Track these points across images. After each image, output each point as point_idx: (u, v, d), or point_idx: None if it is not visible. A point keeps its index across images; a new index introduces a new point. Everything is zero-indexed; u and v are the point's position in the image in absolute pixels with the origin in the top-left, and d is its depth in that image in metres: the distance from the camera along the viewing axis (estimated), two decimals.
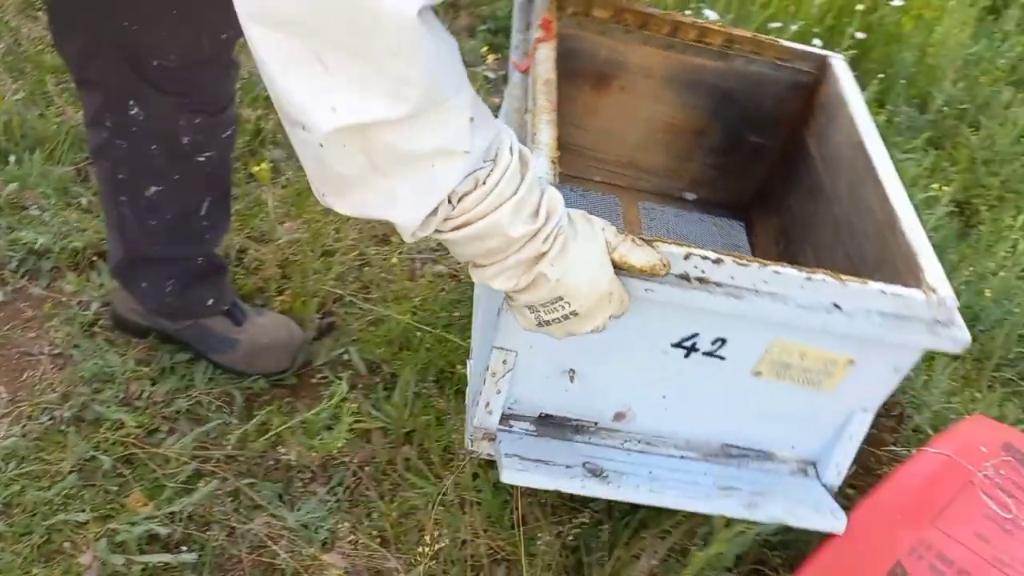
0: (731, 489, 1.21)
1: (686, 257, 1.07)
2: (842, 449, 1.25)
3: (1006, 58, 2.44)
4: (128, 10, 1.08)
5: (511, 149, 0.86)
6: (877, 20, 2.46)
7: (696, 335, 1.15)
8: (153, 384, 1.41)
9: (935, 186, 1.92)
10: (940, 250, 1.81)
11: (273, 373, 1.46)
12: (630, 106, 1.60)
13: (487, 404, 1.18)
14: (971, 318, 1.73)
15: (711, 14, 2.32)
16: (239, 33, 1.18)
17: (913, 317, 1.11)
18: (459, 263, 1.47)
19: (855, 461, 1.27)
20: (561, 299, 0.94)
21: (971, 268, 1.79)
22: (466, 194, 0.83)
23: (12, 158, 1.70)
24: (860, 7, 2.31)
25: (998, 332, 1.69)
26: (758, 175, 1.68)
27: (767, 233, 1.68)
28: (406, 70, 0.74)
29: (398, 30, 0.71)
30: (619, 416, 1.24)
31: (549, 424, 1.23)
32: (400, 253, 1.72)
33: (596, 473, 1.16)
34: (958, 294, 1.71)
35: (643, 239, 1.00)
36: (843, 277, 1.10)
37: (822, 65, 1.53)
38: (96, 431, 1.33)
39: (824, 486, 1.27)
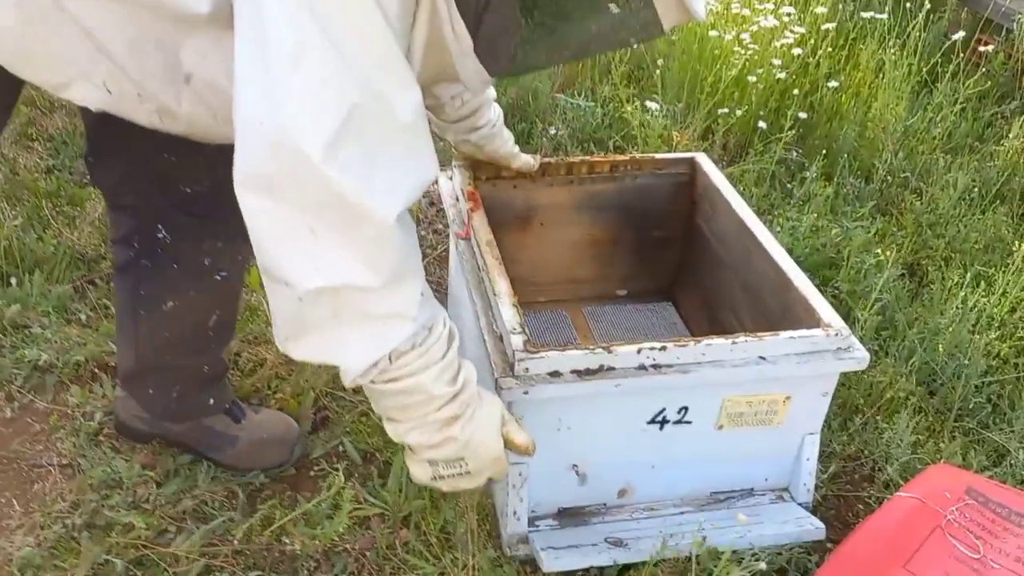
0: (728, 528, 1.36)
1: (638, 351, 1.29)
2: (804, 470, 1.47)
3: (940, 127, 2.63)
4: (170, 144, 1.17)
5: (444, 322, 1.06)
6: (818, 100, 2.65)
7: (664, 410, 1.34)
8: (159, 487, 1.47)
9: (879, 251, 2.05)
10: (892, 310, 1.95)
11: (273, 467, 1.53)
12: (552, 235, 1.86)
13: (515, 512, 1.37)
14: (929, 373, 1.84)
15: (653, 105, 2.50)
16: None
17: (821, 351, 1.34)
18: None
19: (832, 509, 1.38)
20: (462, 459, 1.10)
21: (925, 325, 1.91)
22: (404, 353, 1.00)
23: (13, 280, 1.79)
24: (795, 92, 2.49)
25: (956, 384, 1.80)
26: (671, 261, 1.93)
27: (692, 306, 1.91)
28: (381, 253, 0.94)
29: (380, 228, 0.92)
30: (622, 493, 1.44)
31: (568, 515, 1.42)
32: None
33: (618, 544, 1.34)
34: (911, 352, 1.84)
35: (518, 423, 1.18)
36: (760, 334, 1.32)
37: (692, 163, 1.83)
38: (107, 536, 1.38)
39: (800, 505, 1.47)
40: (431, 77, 1.10)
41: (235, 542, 1.39)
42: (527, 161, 1.71)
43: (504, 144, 1.66)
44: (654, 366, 1.28)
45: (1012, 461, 1.67)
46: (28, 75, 1.09)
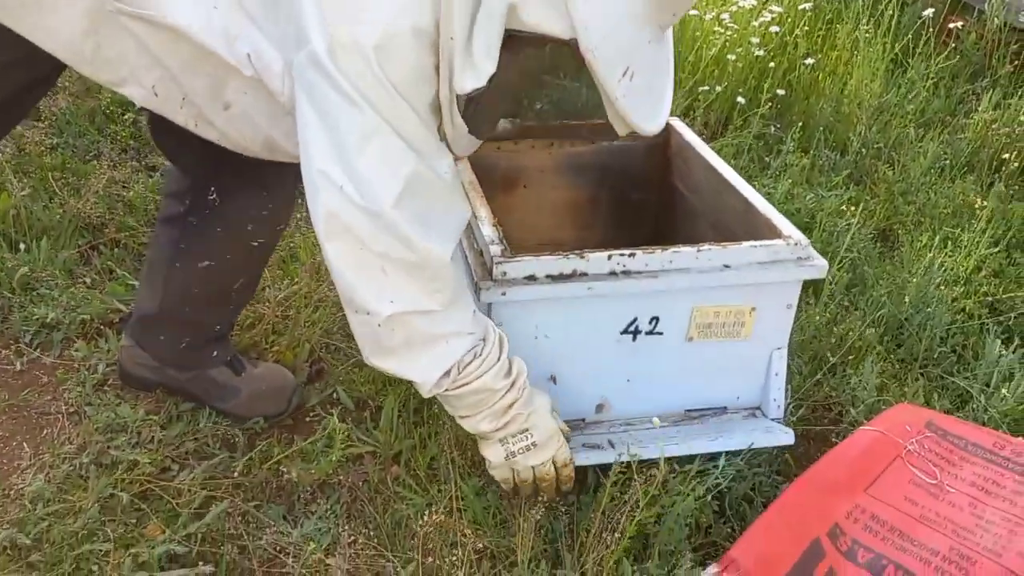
0: (701, 436, 1.48)
1: (609, 257, 1.39)
2: (774, 386, 1.56)
3: (913, 103, 2.72)
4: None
5: (494, 331, 1.29)
6: (795, 78, 2.75)
7: (636, 319, 1.44)
8: (163, 430, 1.56)
9: (851, 211, 2.15)
10: (861, 267, 2.04)
11: (271, 416, 1.62)
12: (535, 197, 1.95)
13: None
14: (896, 325, 1.93)
15: None
16: None
17: (782, 260, 1.44)
18: None
19: (801, 447, 1.47)
20: (527, 431, 1.31)
21: (892, 281, 2.00)
22: (468, 363, 1.24)
23: (22, 246, 1.88)
24: (773, 67, 2.59)
25: (922, 335, 1.88)
26: (649, 221, 2.01)
27: None
28: (440, 284, 1.20)
29: (438, 266, 1.19)
30: (600, 408, 1.53)
31: None
32: None
33: (594, 447, 1.43)
34: (881, 305, 1.93)
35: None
36: (724, 244, 1.42)
37: (666, 127, 1.89)
38: (113, 472, 1.47)
39: (771, 420, 1.55)
40: None
41: (235, 475, 1.47)
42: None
43: None
44: (624, 272, 1.38)
45: (974, 406, 1.75)
46: (87, 72, 1.22)
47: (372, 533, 1.41)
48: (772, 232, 1.49)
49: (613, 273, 1.38)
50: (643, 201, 1.98)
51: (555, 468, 1.35)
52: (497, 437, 1.32)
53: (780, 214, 1.53)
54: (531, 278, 1.36)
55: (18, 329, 1.73)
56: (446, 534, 1.36)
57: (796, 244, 1.45)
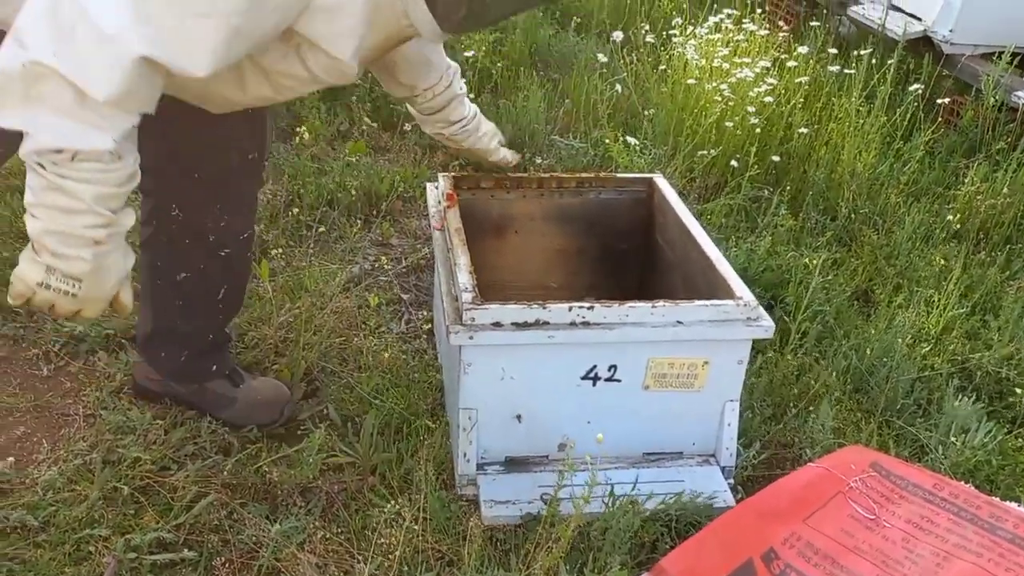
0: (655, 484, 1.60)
1: (570, 309, 1.54)
2: (726, 435, 1.67)
3: (906, 174, 2.84)
4: (177, 135, 1.46)
5: (134, 170, 1.17)
6: (792, 146, 2.89)
7: (595, 367, 1.56)
8: (167, 433, 1.72)
9: (830, 271, 2.26)
10: (838, 327, 2.14)
11: (265, 425, 1.77)
12: (525, 244, 2.11)
13: (464, 455, 1.61)
14: (860, 376, 2.02)
15: (633, 140, 2.76)
16: (264, 156, 1.59)
17: (733, 319, 1.56)
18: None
19: (758, 486, 1.58)
20: (80, 281, 1.17)
21: (861, 334, 2.11)
22: (87, 160, 1.10)
23: None
24: (760, 132, 2.74)
25: (885, 386, 1.98)
26: (633, 270, 2.16)
27: None
28: (113, 75, 1.07)
29: (120, 54, 1.07)
30: (562, 447, 1.66)
31: (513, 464, 1.65)
32: (375, 337, 2.06)
33: (547, 502, 1.53)
34: (846, 357, 2.03)
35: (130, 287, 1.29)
36: (677, 301, 1.55)
37: (650, 183, 2.09)
38: (118, 467, 1.62)
39: (723, 469, 1.68)
40: (387, 36, 1.31)
41: (225, 475, 1.62)
42: (504, 156, 1.94)
43: (480, 139, 1.89)
44: (584, 322, 1.52)
45: (932, 457, 1.84)
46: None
47: (343, 534, 1.54)
48: (727, 292, 1.62)
49: (573, 323, 1.52)
50: (627, 251, 2.14)
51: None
52: (47, 262, 1.16)
53: (736, 275, 1.66)
54: (498, 324, 1.51)
55: (50, 339, 1.92)
56: (410, 539, 1.49)
57: (746, 305, 1.57)
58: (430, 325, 2.13)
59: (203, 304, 1.70)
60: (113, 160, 1.13)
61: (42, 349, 1.91)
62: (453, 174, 2.02)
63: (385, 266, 2.32)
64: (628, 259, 2.14)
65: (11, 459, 1.63)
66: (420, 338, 2.10)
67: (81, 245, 1.16)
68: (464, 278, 1.59)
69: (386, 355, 1.93)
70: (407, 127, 2.95)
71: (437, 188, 2.00)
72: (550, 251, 2.14)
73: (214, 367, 1.77)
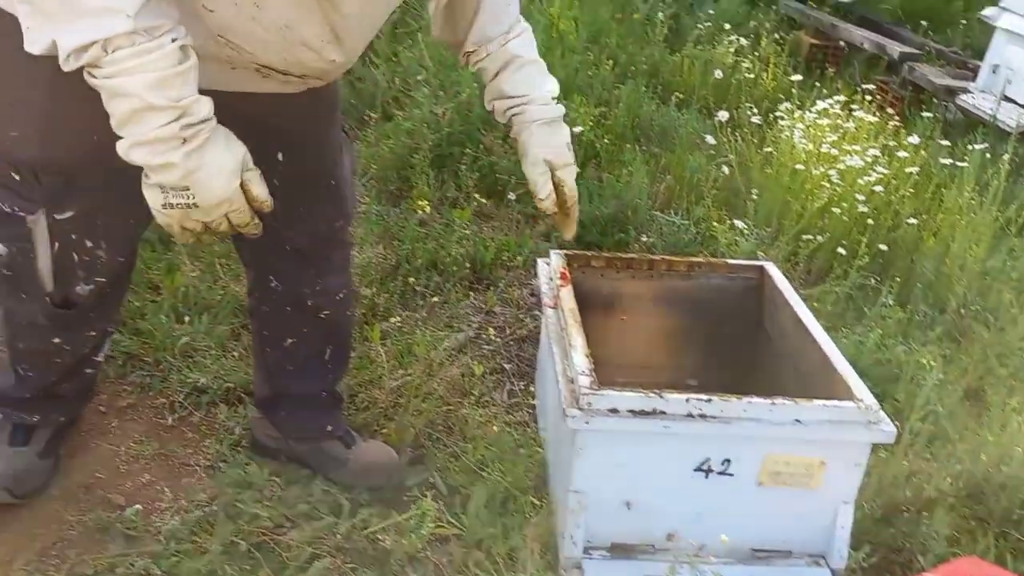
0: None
1: (687, 400, 1.54)
2: (839, 537, 1.64)
3: (1018, 270, 2.77)
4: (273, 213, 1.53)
5: (174, 39, 1.08)
6: (899, 236, 2.86)
7: (708, 459, 1.56)
8: (282, 490, 1.78)
9: (936, 366, 2.21)
10: (950, 427, 2.09)
11: (373, 488, 1.81)
12: (632, 323, 2.13)
13: (571, 537, 1.61)
14: (974, 483, 1.96)
15: (741, 224, 2.77)
16: (349, 222, 1.65)
17: (853, 421, 1.55)
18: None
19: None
20: (188, 189, 1.13)
21: (976, 436, 2.05)
22: (119, 48, 1.04)
23: (187, 318, 2.19)
24: (871, 222, 2.72)
25: (1001, 494, 1.91)
26: (739, 356, 2.14)
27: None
28: None
29: None
30: (671, 537, 1.64)
31: (619, 550, 1.64)
32: (480, 406, 2.10)
33: None
34: (959, 460, 1.98)
35: (260, 177, 1.24)
36: (797, 399, 1.54)
37: (761, 271, 2.09)
38: (237, 522, 1.68)
39: (832, 571, 1.65)
40: None
41: (337, 537, 1.66)
42: (550, 205, 1.55)
43: (534, 145, 1.51)
44: (701, 415, 1.53)
45: None
46: None
47: None
48: (846, 392, 1.61)
49: (690, 415, 1.53)
50: (734, 336, 2.13)
51: (231, 223, 1.21)
52: (154, 180, 1.13)
53: (856, 375, 1.65)
54: (614, 411, 1.53)
55: (175, 389, 2.02)
56: None
57: (867, 408, 1.56)
58: (535, 401, 2.15)
59: (312, 366, 1.77)
60: (146, 39, 1.06)
61: (167, 398, 2.01)
62: (565, 252, 2.06)
63: (490, 335, 2.37)
64: (735, 345, 2.14)
65: (138, 506, 1.70)
66: (523, 410, 2.13)
67: (165, 150, 1.10)
68: (580, 361, 1.62)
69: (493, 427, 1.96)
70: (512, 196, 3.02)
71: (549, 265, 2.05)
72: (656, 331, 2.15)
73: (328, 427, 1.82)
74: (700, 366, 2.19)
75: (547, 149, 1.53)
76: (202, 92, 1.16)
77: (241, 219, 1.21)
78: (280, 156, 1.52)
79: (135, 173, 1.21)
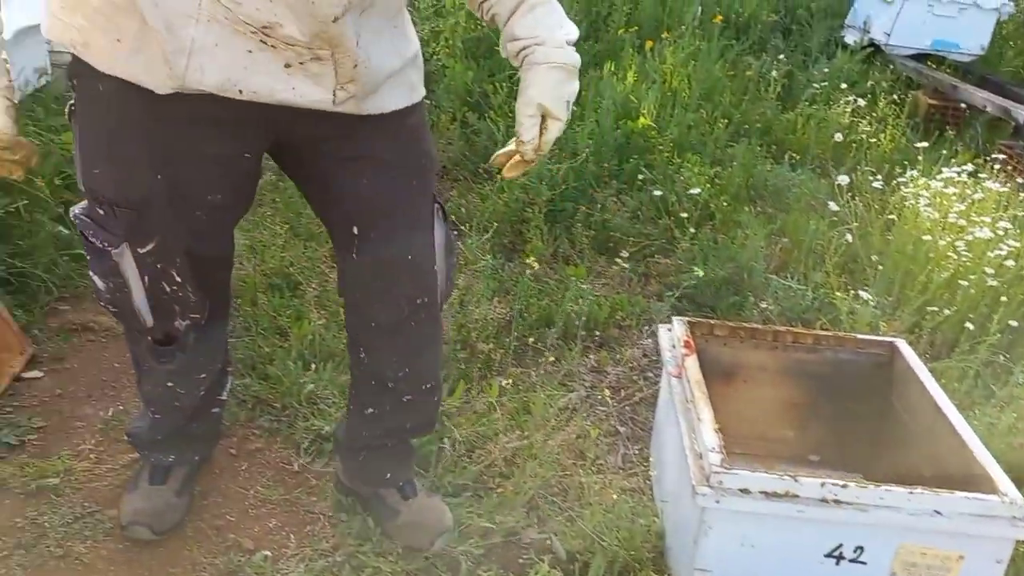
0: None
1: (822, 485, 1.51)
2: None
3: None
4: (354, 285, 1.62)
5: None
6: None
7: (841, 546, 1.52)
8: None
9: None
10: None
11: (413, 548, 1.78)
12: (753, 393, 2.10)
13: None
14: None
15: (866, 295, 2.70)
16: (436, 301, 1.64)
17: (996, 516, 1.48)
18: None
19: None
20: None
21: None
22: None
23: (313, 366, 2.27)
24: (1005, 299, 2.61)
25: None
26: (864, 434, 2.07)
27: (882, 479, 2.00)
28: None
29: None
30: None
31: None
32: (594, 469, 2.09)
33: None
34: None
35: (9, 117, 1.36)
36: (937, 489, 1.49)
37: (892, 347, 2.03)
38: (360, 575, 1.72)
39: None
40: None
41: None
42: (530, 151, 1.42)
43: (535, 87, 1.40)
44: (835, 500, 1.49)
45: None
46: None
47: None
48: (987, 484, 1.55)
49: (824, 500, 1.50)
50: (860, 413, 2.08)
51: None
52: None
53: (997, 465, 1.59)
54: (745, 491, 1.51)
55: (300, 436, 2.08)
56: None
57: (1011, 503, 1.50)
58: (653, 472, 2.13)
59: (390, 431, 1.80)
60: None
61: (294, 444, 2.07)
62: (688, 319, 2.05)
63: (605, 396, 2.37)
64: (861, 422, 2.08)
65: (267, 553, 1.76)
66: (638, 476, 2.12)
67: None
68: (710, 437, 1.61)
69: (611, 494, 1.96)
70: (624, 254, 3.03)
71: (670, 331, 2.04)
72: (778, 403, 2.12)
73: (388, 475, 1.83)
74: (822, 441, 2.14)
75: (548, 97, 1.40)
76: (250, 123, 1.37)
77: None
78: (355, 229, 1.54)
79: (201, 212, 1.44)
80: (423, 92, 1.57)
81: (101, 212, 1.45)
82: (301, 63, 1.31)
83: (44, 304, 2.40)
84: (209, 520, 1.85)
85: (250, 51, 1.28)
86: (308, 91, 1.34)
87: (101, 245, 1.46)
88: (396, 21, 1.45)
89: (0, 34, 1.24)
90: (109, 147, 1.42)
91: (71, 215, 1.51)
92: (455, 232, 3.10)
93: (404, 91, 1.50)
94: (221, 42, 1.26)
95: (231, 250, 1.68)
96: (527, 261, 2.87)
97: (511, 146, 1.45)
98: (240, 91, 1.31)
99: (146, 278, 1.50)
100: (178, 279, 1.52)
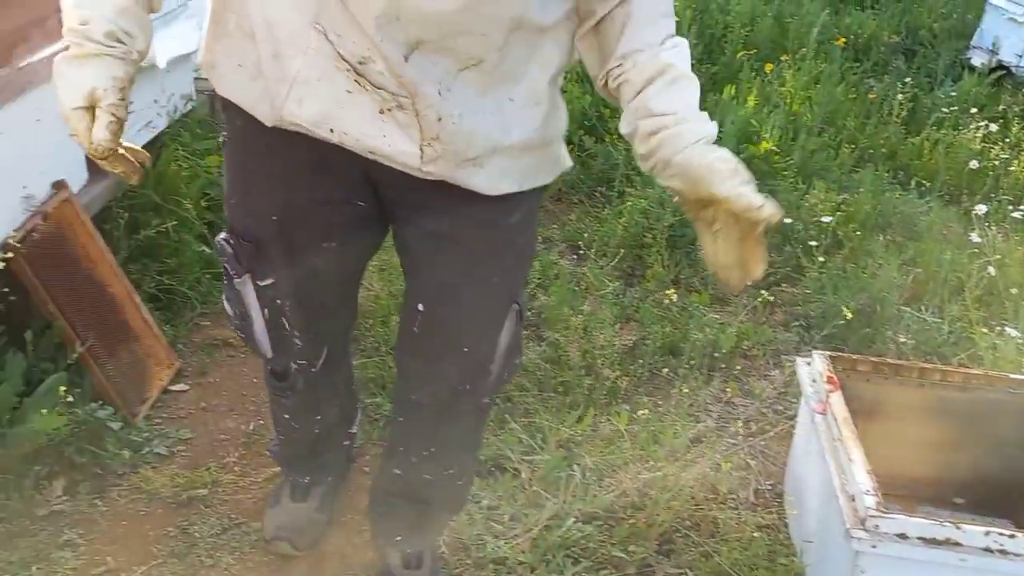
0: None
1: (986, 534, 1.44)
2: None
3: None
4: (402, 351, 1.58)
5: None
6: None
7: None
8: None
9: None
10: None
11: None
12: (895, 431, 2.01)
13: None
14: None
15: (1012, 331, 2.57)
16: (481, 394, 1.55)
17: None
18: None
19: None
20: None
21: None
22: None
23: None
24: None
25: None
26: (1016, 479, 1.97)
27: None
28: None
29: None
30: None
31: None
32: (726, 504, 2.05)
33: None
34: None
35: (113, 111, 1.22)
36: None
37: None
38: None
39: None
40: None
41: None
42: (774, 211, 1.16)
43: (706, 159, 1.18)
44: (1000, 550, 1.42)
45: None
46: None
47: None
48: None
49: (988, 549, 1.44)
50: (1010, 455, 1.97)
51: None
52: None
53: None
54: (903, 536, 1.45)
55: None
56: None
57: None
58: (791, 509, 2.07)
59: (410, 499, 1.72)
60: None
61: None
62: (829, 353, 2.00)
63: (738, 428, 2.32)
64: (1011, 464, 1.98)
65: None
66: (772, 512, 2.06)
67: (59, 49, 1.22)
68: (863, 479, 1.56)
69: (751, 533, 1.91)
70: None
71: (809, 365, 1.99)
72: (920, 442, 2.03)
73: (398, 538, 1.77)
74: (967, 484, 2.04)
75: (722, 164, 1.17)
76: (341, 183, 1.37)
77: (81, 143, 1.22)
78: (420, 307, 1.46)
79: (316, 259, 1.44)
80: (542, 182, 1.40)
81: (232, 241, 1.47)
82: (390, 109, 1.23)
83: (188, 320, 2.51)
84: (347, 536, 1.89)
85: (349, 91, 1.23)
86: (397, 141, 1.25)
87: (231, 272, 1.49)
88: (515, 93, 1.27)
89: (127, 59, 1.22)
90: (239, 179, 1.46)
91: (216, 240, 1.54)
92: (575, 255, 3.11)
93: (513, 177, 1.34)
94: (324, 77, 1.22)
95: (352, 305, 1.65)
96: (648, 287, 2.85)
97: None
98: (331, 130, 1.25)
99: (266, 311, 1.51)
100: (292, 317, 1.51)
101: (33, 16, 1.98)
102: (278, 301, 1.49)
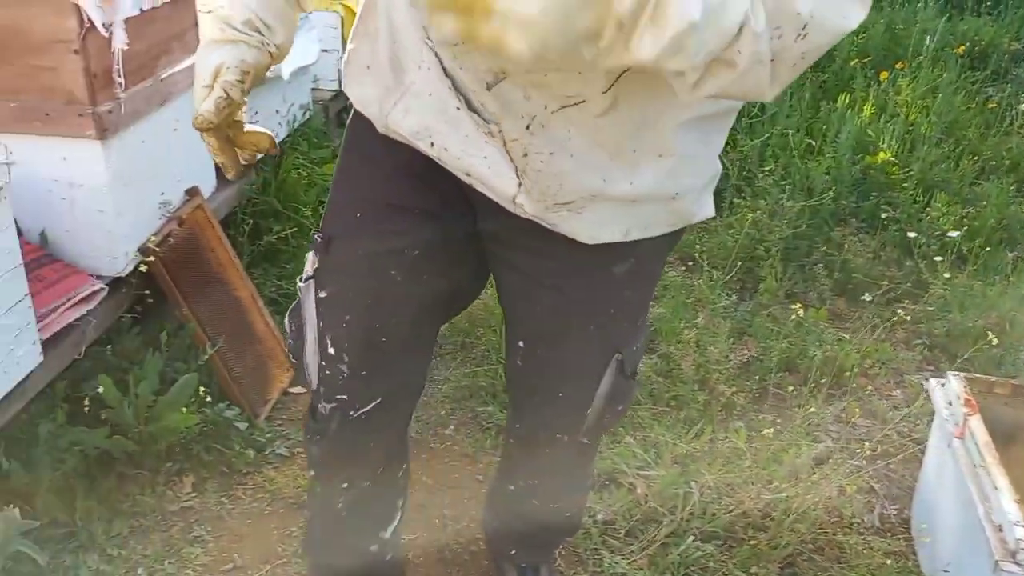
0: None
1: None
2: None
3: None
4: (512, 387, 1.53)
5: None
6: None
7: None
8: None
9: None
10: None
11: None
12: None
13: None
14: None
15: None
16: (577, 443, 1.47)
17: None
18: None
19: None
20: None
21: None
22: None
23: None
24: None
25: None
26: None
27: None
28: None
29: None
30: None
31: None
32: (850, 529, 1.97)
33: None
34: None
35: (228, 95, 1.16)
36: None
37: None
38: None
39: None
40: None
41: None
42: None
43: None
44: None
45: None
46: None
47: None
48: None
49: None
50: None
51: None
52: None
53: None
54: None
55: None
56: None
57: None
58: (922, 537, 1.98)
59: (520, 516, 1.67)
60: None
61: None
62: (965, 375, 1.90)
63: (863, 449, 2.24)
64: None
65: None
66: (898, 538, 1.98)
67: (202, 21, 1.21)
68: (1011, 508, 1.48)
69: (875, 557, 1.84)
70: (866, 296, 2.87)
71: (944, 387, 1.90)
72: None
73: (512, 551, 1.77)
74: None
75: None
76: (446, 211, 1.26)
77: (197, 97, 1.18)
78: (520, 344, 1.41)
79: (393, 276, 1.29)
80: (658, 233, 1.24)
81: (318, 239, 1.35)
82: (488, 133, 1.15)
83: None
84: (465, 544, 1.90)
85: (458, 108, 1.15)
86: (498, 165, 1.16)
87: (306, 275, 1.36)
88: (637, 142, 1.13)
89: (262, 49, 1.20)
90: (341, 177, 1.37)
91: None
92: (684, 267, 3.06)
93: (619, 226, 1.21)
94: (435, 92, 1.16)
95: (422, 354, 1.44)
96: (762, 300, 2.78)
97: None
98: (432, 144, 1.18)
99: (321, 323, 1.33)
100: (339, 346, 1.33)
101: (174, 30, 2.07)
102: (337, 314, 1.32)
